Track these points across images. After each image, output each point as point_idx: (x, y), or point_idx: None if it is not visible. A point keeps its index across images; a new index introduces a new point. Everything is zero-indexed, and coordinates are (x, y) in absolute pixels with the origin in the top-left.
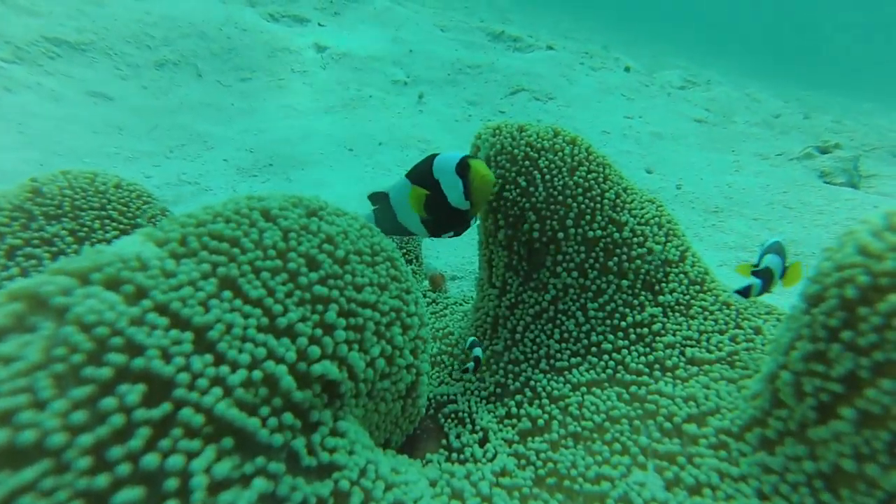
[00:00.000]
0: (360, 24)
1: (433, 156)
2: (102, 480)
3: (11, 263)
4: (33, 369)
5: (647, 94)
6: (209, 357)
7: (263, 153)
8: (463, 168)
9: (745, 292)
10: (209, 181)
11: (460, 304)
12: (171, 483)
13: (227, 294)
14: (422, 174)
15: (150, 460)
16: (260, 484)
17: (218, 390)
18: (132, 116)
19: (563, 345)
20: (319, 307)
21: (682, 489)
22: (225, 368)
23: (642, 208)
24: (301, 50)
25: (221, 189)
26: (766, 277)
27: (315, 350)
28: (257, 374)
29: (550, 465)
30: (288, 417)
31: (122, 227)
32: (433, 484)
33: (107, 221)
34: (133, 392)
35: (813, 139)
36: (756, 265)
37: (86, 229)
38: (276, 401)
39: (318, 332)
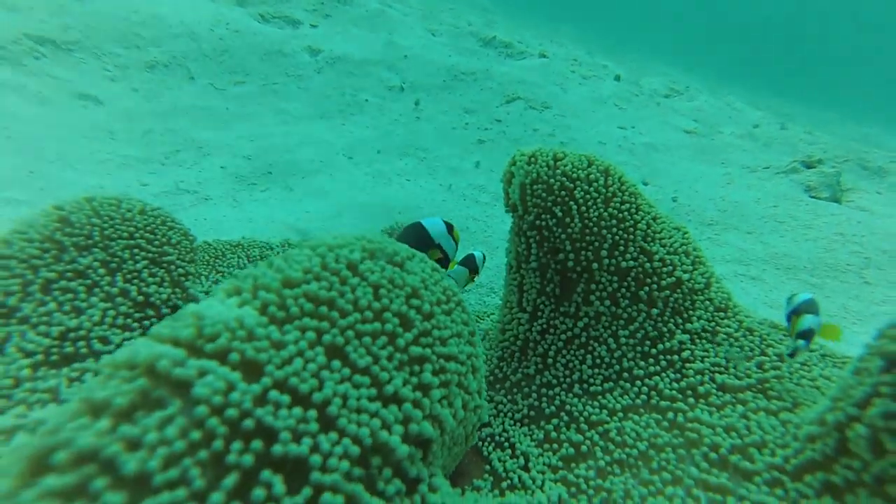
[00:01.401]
0: (353, 28)
1: (419, 224)
2: None
3: (48, 298)
4: (179, 457)
5: (638, 103)
6: (334, 435)
7: (261, 160)
8: (450, 229)
9: (792, 354)
10: (208, 190)
11: (477, 321)
12: None
13: (337, 364)
14: (424, 241)
15: None
16: None
17: (345, 465)
18: (123, 120)
19: (596, 370)
20: (416, 368)
21: None
22: (348, 442)
23: (671, 237)
24: (295, 53)
25: (221, 198)
26: (808, 338)
27: (418, 413)
28: (374, 445)
29: (603, 493)
30: (398, 483)
31: (150, 255)
32: None
33: (136, 251)
34: (277, 481)
35: (792, 151)
36: (790, 317)
37: (117, 259)
38: (386, 471)
39: (419, 394)
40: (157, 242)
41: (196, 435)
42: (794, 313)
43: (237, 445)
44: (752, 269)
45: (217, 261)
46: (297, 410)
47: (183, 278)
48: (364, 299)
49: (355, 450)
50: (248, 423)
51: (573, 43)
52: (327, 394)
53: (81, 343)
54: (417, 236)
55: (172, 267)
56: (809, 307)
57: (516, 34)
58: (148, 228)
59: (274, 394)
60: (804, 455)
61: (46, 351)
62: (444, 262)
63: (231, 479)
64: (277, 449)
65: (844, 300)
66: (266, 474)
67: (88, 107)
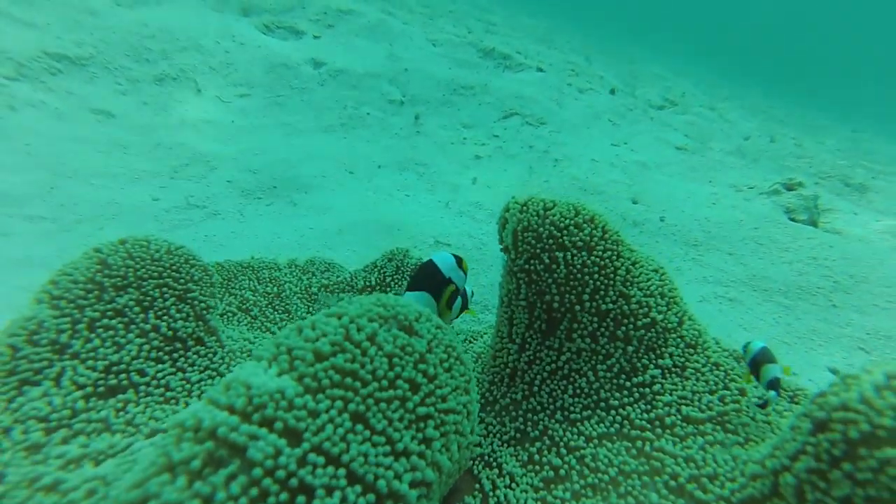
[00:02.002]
0: (355, 38)
1: (431, 262)
2: None
3: (93, 335)
4: None
5: (632, 118)
6: (359, 488)
7: (266, 174)
8: (459, 262)
9: (763, 405)
10: (217, 205)
11: (469, 342)
12: None
13: (360, 427)
14: (437, 278)
15: None
16: None
17: None
18: (134, 134)
19: (576, 399)
20: (421, 424)
21: None
22: (370, 494)
23: (648, 279)
24: (298, 66)
25: (230, 213)
26: (777, 388)
27: (422, 463)
28: (388, 492)
29: None
30: None
31: (177, 293)
32: None
33: (165, 289)
34: None
35: (779, 168)
36: (751, 366)
37: (149, 298)
38: None
39: (423, 447)
40: (182, 280)
41: (255, 492)
42: (755, 363)
43: (285, 498)
44: (731, 291)
45: (230, 283)
46: (330, 469)
47: (205, 312)
48: (381, 370)
49: (372, 497)
50: (294, 481)
51: (571, 46)
52: (353, 454)
53: (123, 376)
54: (430, 274)
55: (196, 302)
56: (767, 356)
57: (514, 41)
58: (174, 267)
59: (312, 456)
60: (746, 491)
61: (95, 383)
62: (456, 293)
63: None
64: (316, 503)
65: (813, 322)
66: None
67: (102, 121)
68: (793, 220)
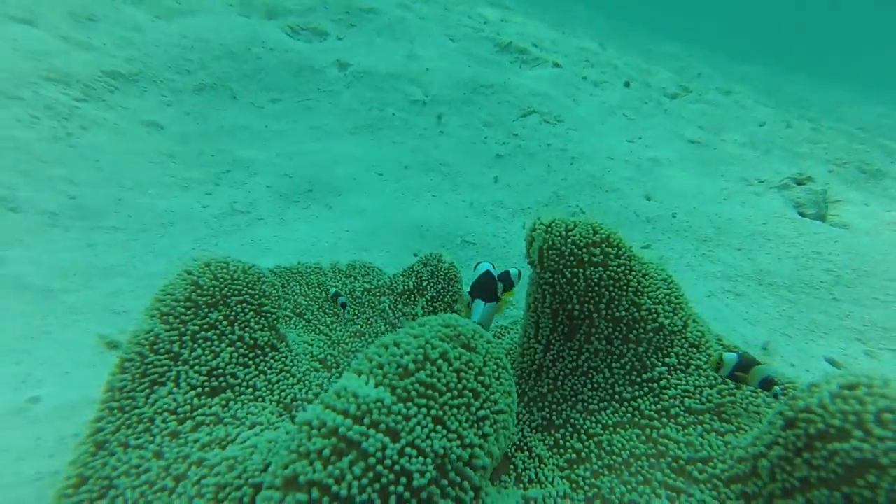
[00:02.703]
0: (376, 38)
1: (488, 271)
2: None
3: (196, 345)
4: (365, 487)
5: (646, 112)
6: (440, 472)
7: (301, 178)
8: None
9: (776, 397)
10: (259, 210)
11: (498, 338)
12: None
13: (439, 428)
14: (492, 283)
15: None
16: None
17: (445, 485)
18: (180, 144)
19: (594, 392)
20: (480, 424)
21: None
22: (450, 477)
23: (657, 289)
24: (325, 69)
25: (271, 217)
26: (771, 385)
27: (480, 453)
28: (459, 474)
29: (595, 489)
30: (471, 493)
31: (253, 307)
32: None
33: (245, 305)
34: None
35: (792, 157)
36: (734, 377)
37: (233, 313)
38: (466, 486)
39: (482, 441)
40: (256, 296)
41: (371, 474)
42: (740, 370)
43: (392, 478)
44: (739, 286)
45: (284, 289)
46: (421, 459)
47: (276, 322)
48: (452, 382)
49: (449, 478)
50: (397, 467)
51: (584, 30)
52: (436, 448)
53: (221, 378)
54: (491, 281)
55: (269, 314)
56: (749, 361)
57: (530, 30)
58: (249, 285)
59: (408, 450)
60: (733, 471)
61: (202, 385)
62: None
63: (393, 500)
64: (415, 482)
65: (815, 315)
66: (407, 496)
67: (152, 133)
68: (802, 214)
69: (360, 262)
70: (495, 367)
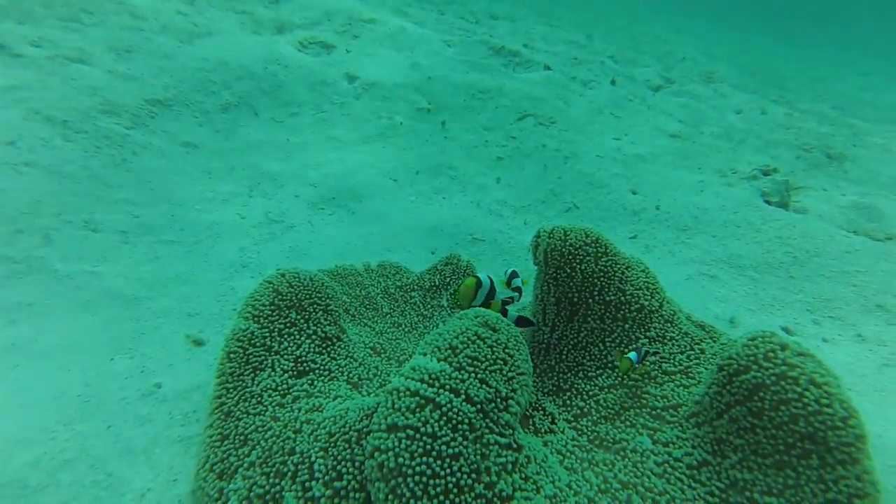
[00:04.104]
0: (380, 48)
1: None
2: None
3: (283, 339)
4: (443, 426)
5: (631, 109)
6: (483, 416)
7: (324, 187)
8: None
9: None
10: (291, 218)
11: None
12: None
13: (484, 386)
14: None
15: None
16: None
17: (489, 424)
18: (214, 160)
19: (592, 362)
20: (510, 382)
21: (660, 444)
22: (490, 420)
23: (638, 277)
24: (336, 82)
25: (302, 224)
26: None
27: (512, 402)
28: (498, 419)
29: (594, 434)
30: (508, 430)
31: (321, 307)
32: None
33: (315, 305)
34: (468, 432)
35: (764, 145)
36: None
37: (307, 312)
38: (503, 423)
39: (513, 393)
40: (322, 298)
41: (444, 419)
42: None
43: (457, 420)
44: (713, 269)
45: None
46: (474, 408)
47: (338, 318)
48: (488, 354)
49: (490, 421)
50: (461, 415)
51: (571, 20)
52: (482, 399)
53: (304, 364)
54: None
55: (333, 312)
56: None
57: (519, 24)
58: (316, 289)
59: (464, 401)
60: (691, 409)
61: (291, 370)
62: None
63: (460, 434)
64: (474, 422)
65: (775, 292)
66: (467, 430)
67: (190, 152)
68: (767, 202)
69: (388, 262)
70: (516, 342)
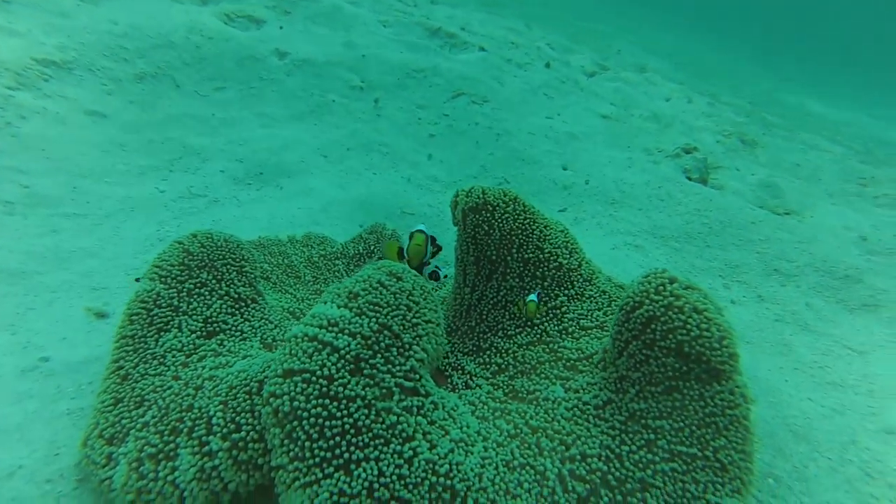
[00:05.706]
0: (312, 25)
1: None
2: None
3: (192, 299)
4: (341, 367)
5: (564, 90)
6: (384, 362)
7: (252, 163)
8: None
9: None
10: (215, 192)
11: (436, 290)
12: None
13: (385, 331)
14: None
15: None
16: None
17: (388, 366)
18: (128, 132)
19: (511, 321)
20: (414, 329)
21: (572, 392)
22: (392, 366)
23: (556, 237)
24: (265, 57)
25: (227, 199)
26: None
27: (417, 349)
28: (401, 369)
29: (510, 388)
30: (415, 376)
31: (235, 268)
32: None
33: (228, 266)
34: (361, 377)
35: (688, 130)
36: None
37: (219, 273)
38: (414, 376)
39: (416, 340)
40: (237, 259)
41: (341, 362)
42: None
43: (353, 364)
44: (638, 240)
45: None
46: (371, 352)
47: (254, 280)
48: (392, 300)
49: (391, 367)
50: (356, 358)
51: (511, 8)
52: (381, 346)
53: (214, 324)
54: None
55: (248, 273)
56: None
57: (458, 11)
58: (231, 250)
59: (362, 345)
60: (598, 356)
61: (200, 330)
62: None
63: (359, 376)
64: (374, 364)
65: (693, 259)
66: (368, 370)
67: (97, 122)
68: (689, 178)
69: (314, 233)
70: (421, 290)
